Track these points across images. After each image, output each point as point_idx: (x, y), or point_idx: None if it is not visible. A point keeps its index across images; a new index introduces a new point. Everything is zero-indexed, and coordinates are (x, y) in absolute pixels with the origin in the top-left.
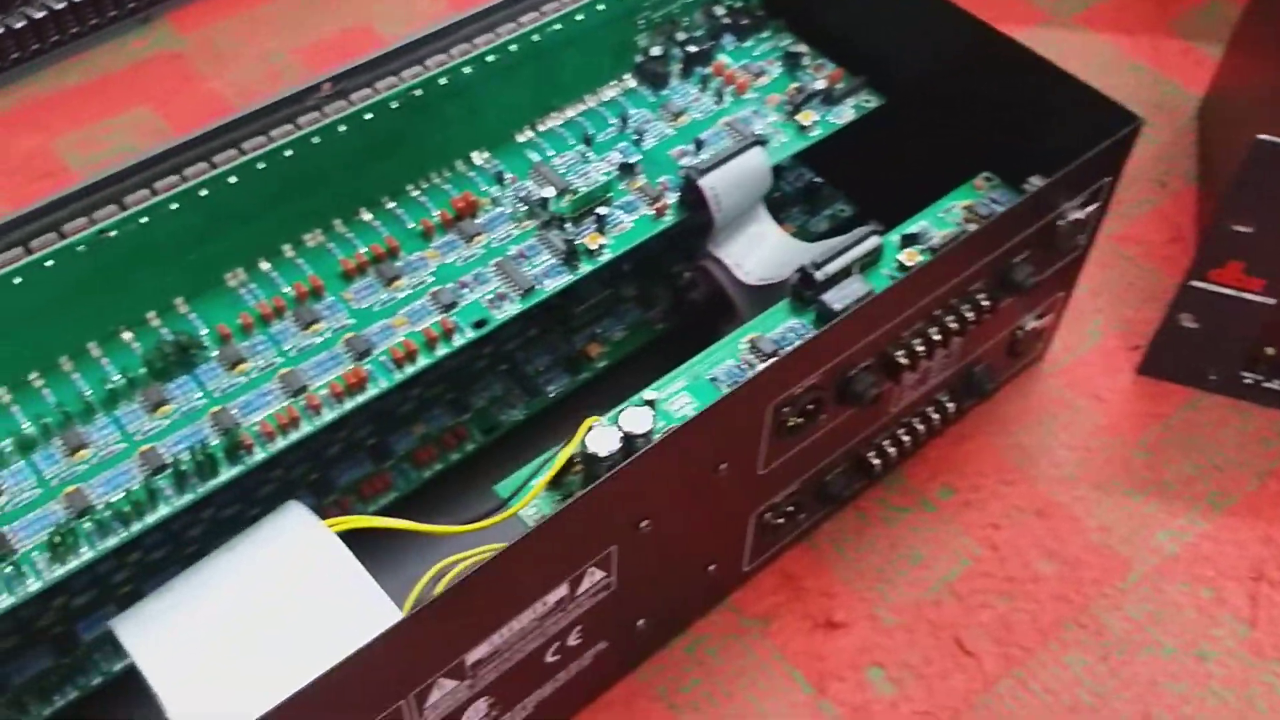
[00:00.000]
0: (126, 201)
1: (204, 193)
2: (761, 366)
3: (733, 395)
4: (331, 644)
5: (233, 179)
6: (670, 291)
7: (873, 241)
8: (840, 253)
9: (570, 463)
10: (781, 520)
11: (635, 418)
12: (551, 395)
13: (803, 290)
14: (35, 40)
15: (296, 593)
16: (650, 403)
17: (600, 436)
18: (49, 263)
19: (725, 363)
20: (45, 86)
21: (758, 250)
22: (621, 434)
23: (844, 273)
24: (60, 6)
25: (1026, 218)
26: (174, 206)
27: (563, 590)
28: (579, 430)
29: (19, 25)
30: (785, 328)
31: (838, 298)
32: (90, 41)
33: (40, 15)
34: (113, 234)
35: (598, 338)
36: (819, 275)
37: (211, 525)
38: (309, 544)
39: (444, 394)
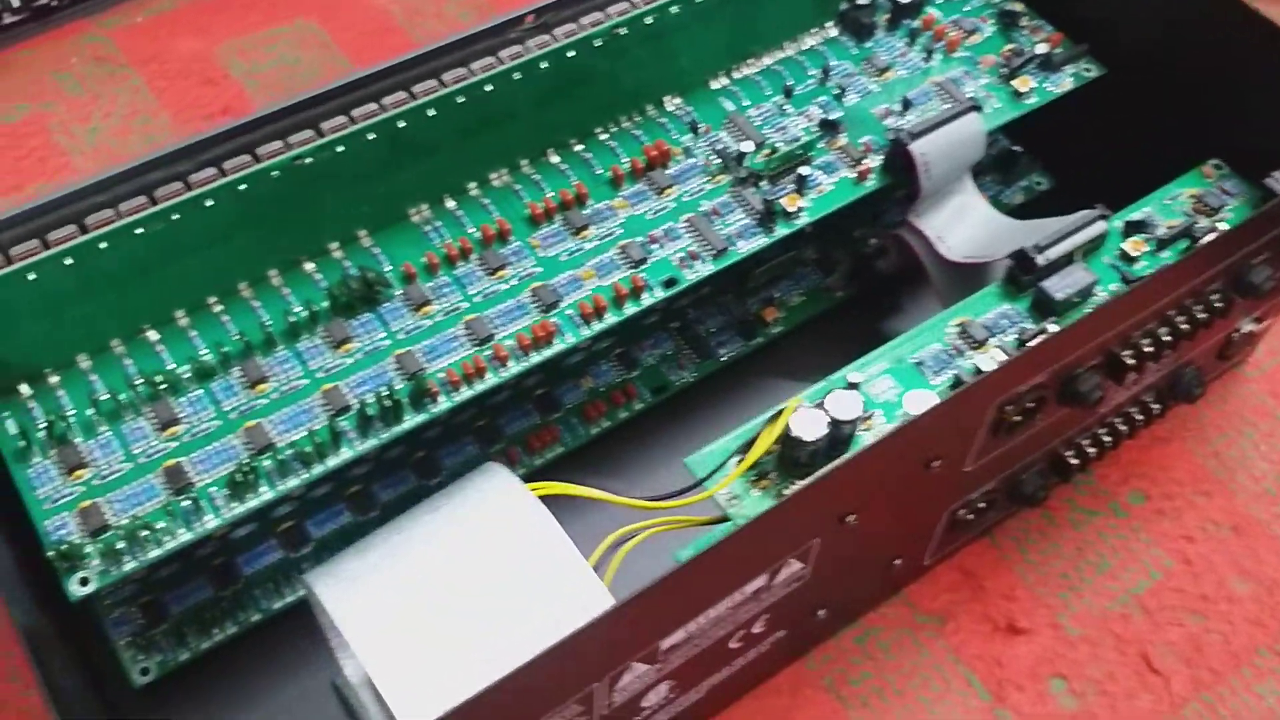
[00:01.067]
0: (323, 128)
1: (401, 124)
2: (995, 364)
3: (968, 390)
4: (541, 624)
5: (431, 112)
6: (852, 258)
7: (1099, 227)
8: (1063, 236)
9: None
10: (971, 516)
11: (843, 402)
12: (724, 359)
13: (1020, 274)
14: None
15: (503, 565)
16: (854, 385)
17: (806, 420)
18: (242, 186)
19: (931, 346)
20: None
21: (963, 225)
22: (829, 419)
23: (1066, 259)
24: None
25: (1276, 219)
26: (370, 137)
27: (761, 580)
28: (784, 411)
29: None
30: (998, 313)
31: (1059, 286)
32: None
33: None
34: (308, 160)
35: (774, 302)
36: (1040, 259)
37: (377, 466)
38: (517, 513)
39: (612, 348)
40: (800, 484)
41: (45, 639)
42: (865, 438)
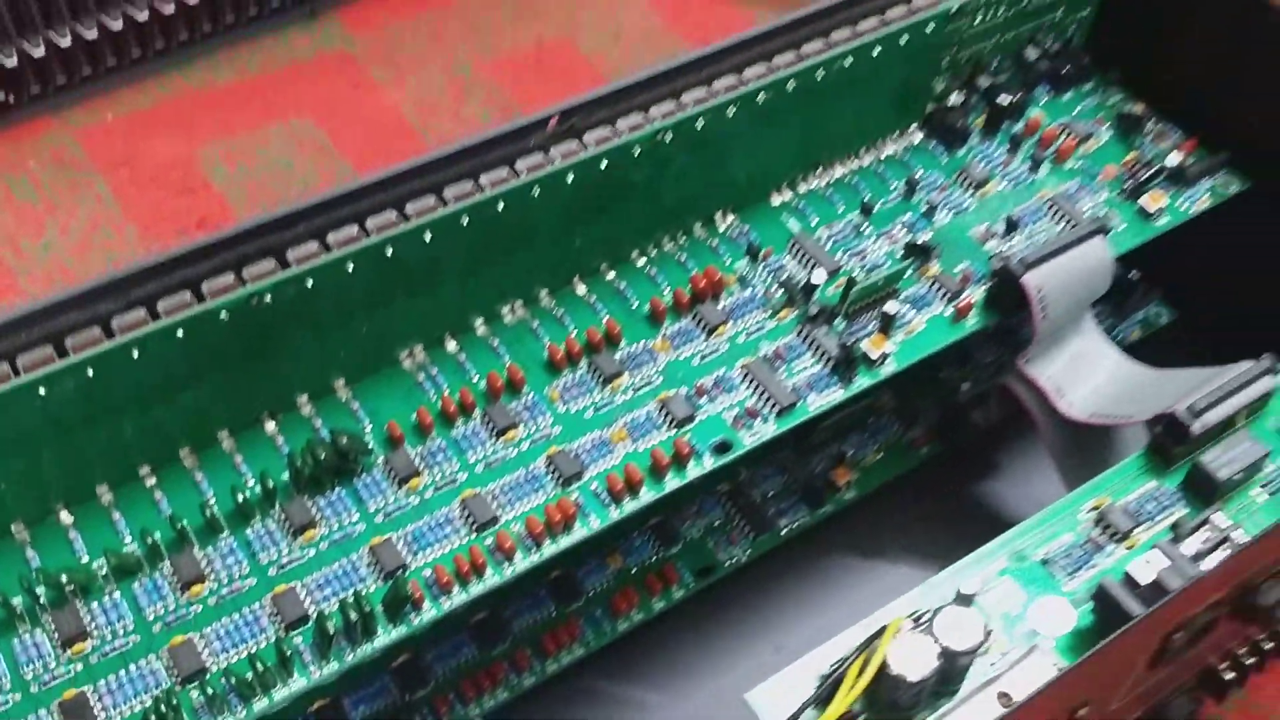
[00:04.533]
0: (288, 257)
1: (389, 251)
2: (1153, 573)
3: (1136, 626)
4: None
5: (427, 235)
6: (942, 407)
7: (1266, 384)
8: (1224, 396)
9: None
10: None
11: (957, 624)
12: (784, 532)
13: (1169, 443)
14: (185, 30)
15: None
16: (968, 598)
17: (910, 651)
18: (179, 332)
19: (1061, 538)
20: (193, 83)
21: (1087, 375)
22: (940, 648)
23: (1227, 424)
24: None
25: None
26: (350, 267)
27: None
28: (879, 638)
29: (168, 11)
30: (1143, 493)
31: (1223, 461)
32: (247, 34)
33: (194, 1)
34: (267, 299)
35: (846, 460)
36: (1196, 426)
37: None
38: None
39: (648, 517)
40: None
41: None
42: (982, 666)
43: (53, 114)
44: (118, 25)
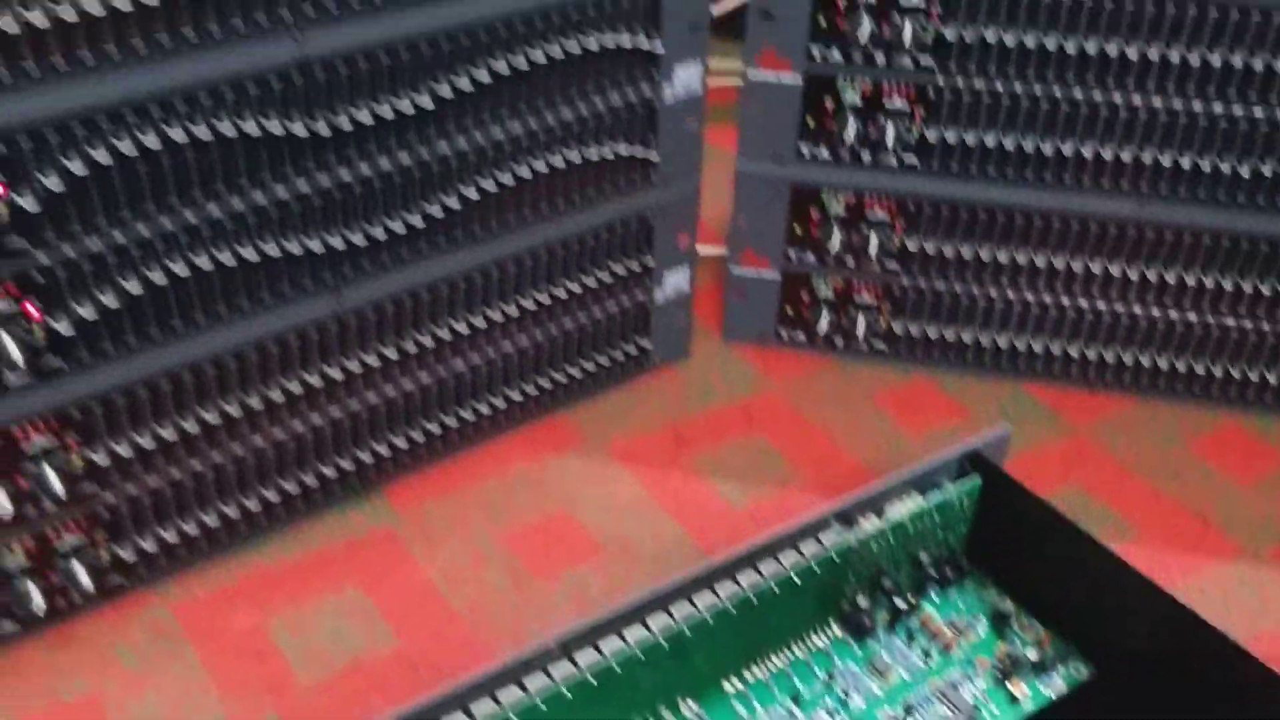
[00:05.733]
0: None
1: None
2: None
3: None
4: None
5: None
6: None
7: None
8: None
9: None
10: None
11: None
12: None
13: None
14: (265, 517)
15: None
16: None
17: None
18: None
19: None
20: (267, 559)
21: None
22: None
23: None
24: (293, 490)
25: None
26: None
27: None
28: None
29: (255, 509)
30: None
31: None
32: (312, 513)
33: (275, 498)
34: None
35: None
36: None
37: None
38: None
39: None
40: None
41: None
42: None
43: (154, 590)
44: (215, 524)
